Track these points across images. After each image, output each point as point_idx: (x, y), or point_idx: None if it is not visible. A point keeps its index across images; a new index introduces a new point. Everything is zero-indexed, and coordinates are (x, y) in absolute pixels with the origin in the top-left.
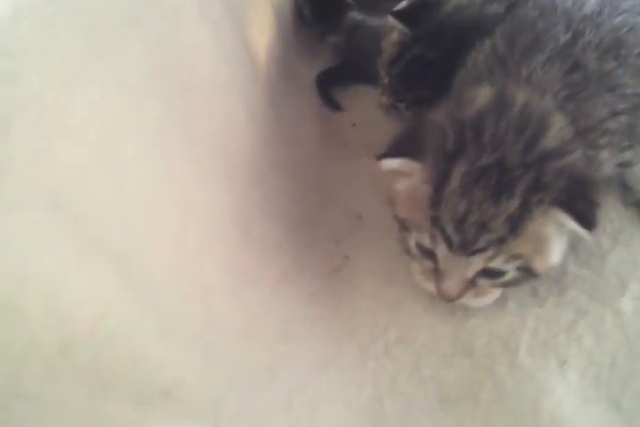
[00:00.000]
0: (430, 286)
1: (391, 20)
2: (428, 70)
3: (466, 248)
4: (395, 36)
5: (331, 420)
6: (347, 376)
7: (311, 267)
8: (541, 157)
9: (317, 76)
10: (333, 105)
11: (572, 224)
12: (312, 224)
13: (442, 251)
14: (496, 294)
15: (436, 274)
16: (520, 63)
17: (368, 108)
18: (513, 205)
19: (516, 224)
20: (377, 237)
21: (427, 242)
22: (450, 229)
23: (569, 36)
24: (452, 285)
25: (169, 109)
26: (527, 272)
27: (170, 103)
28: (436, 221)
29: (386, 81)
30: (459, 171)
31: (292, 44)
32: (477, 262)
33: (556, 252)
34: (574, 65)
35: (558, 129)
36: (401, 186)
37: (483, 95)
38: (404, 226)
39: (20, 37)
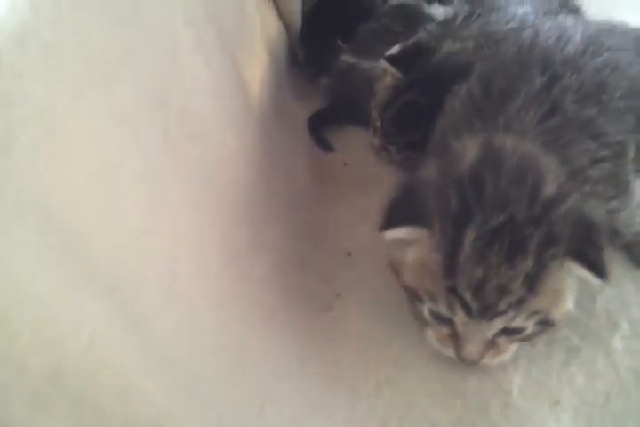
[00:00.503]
0: (449, 351)
1: (384, 64)
2: (420, 115)
3: (486, 313)
4: (388, 80)
5: None
6: (337, 419)
7: (301, 305)
8: (546, 206)
9: (310, 117)
10: (325, 145)
11: (588, 275)
12: (302, 262)
13: (461, 318)
14: (513, 348)
15: (455, 339)
16: (496, 110)
17: (359, 149)
18: (528, 264)
19: (533, 282)
20: (367, 274)
21: (443, 311)
22: (468, 296)
23: (545, 78)
24: (473, 349)
25: (164, 139)
26: (546, 324)
27: (165, 133)
28: (452, 290)
29: (378, 124)
30: (470, 236)
31: (285, 84)
32: (498, 324)
33: (570, 299)
34: (551, 109)
35: (553, 173)
36: (408, 255)
37: (471, 148)
38: (414, 295)
39: (26, 59)
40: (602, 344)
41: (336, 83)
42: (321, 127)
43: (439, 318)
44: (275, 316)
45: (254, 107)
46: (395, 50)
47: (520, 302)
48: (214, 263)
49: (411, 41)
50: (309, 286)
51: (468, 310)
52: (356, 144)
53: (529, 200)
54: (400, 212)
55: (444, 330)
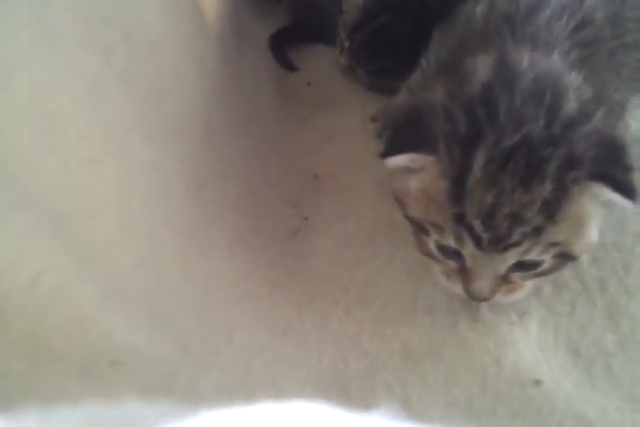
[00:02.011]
0: (457, 287)
1: None
2: (394, 43)
3: (498, 244)
4: (359, 0)
5: (292, 384)
6: (308, 340)
7: (268, 230)
8: (567, 126)
9: (271, 36)
10: (288, 65)
11: (616, 197)
12: (268, 186)
13: (470, 250)
14: (529, 286)
15: (464, 274)
16: (524, 21)
17: (324, 68)
18: (547, 188)
19: (552, 210)
20: (334, 197)
21: (451, 243)
22: (478, 225)
23: None
24: (483, 285)
25: (107, 62)
26: (565, 258)
27: (108, 55)
28: (460, 219)
29: (346, 44)
30: (480, 158)
31: (245, 3)
32: (511, 258)
33: (595, 228)
34: (583, 21)
35: (575, 90)
36: (412, 184)
37: (483, 65)
38: (419, 227)
39: None
40: None
41: (299, 1)
42: (283, 46)
43: (447, 252)
44: (244, 241)
45: (212, 28)
46: None
47: (536, 232)
48: (175, 190)
49: None
50: (277, 210)
51: (477, 240)
52: (320, 63)
53: (547, 119)
54: (404, 137)
55: (452, 264)
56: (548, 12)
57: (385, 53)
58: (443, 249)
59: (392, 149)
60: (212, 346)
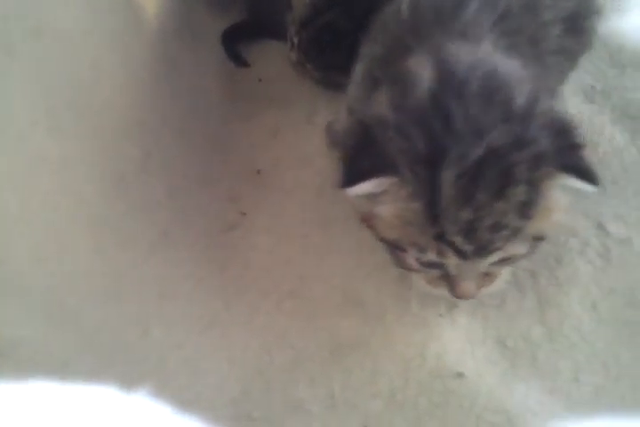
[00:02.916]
0: (442, 291)
1: None
2: (341, 39)
3: (481, 253)
4: None
5: (213, 376)
6: (233, 333)
7: (200, 226)
8: (524, 124)
9: (224, 31)
10: (239, 61)
11: (580, 183)
12: (207, 181)
13: (453, 261)
14: (507, 272)
15: (449, 280)
16: (451, 16)
17: (275, 64)
18: (521, 192)
19: (528, 209)
20: (275, 193)
21: (433, 257)
22: (459, 241)
23: None
24: (469, 286)
25: (9, 59)
26: (539, 240)
27: (10, 50)
28: (440, 238)
29: (295, 40)
30: (448, 176)
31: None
32: (493, 258)
33: (560, 209)
34: (504, 12)
35: (518, 82)
36: (382, 210)
37: (423, 69)
38: (396, 247)
39: None
40: None
41: None
42: (236, 42)
43: (428, 265)
44: (170, 237)
45: (148, 23)
46: None
47: (516, 233)
48: (89, 187)
49: None
50: (214, 205)
51: (461, 254)
52: (272, 59)
53: (504, 120)
54: (360, 162)
55: (435, 273)
56: (475, 5)
57: (333, 50)
58: (423, 263)
59: (351, 178)
60: (121, 340)
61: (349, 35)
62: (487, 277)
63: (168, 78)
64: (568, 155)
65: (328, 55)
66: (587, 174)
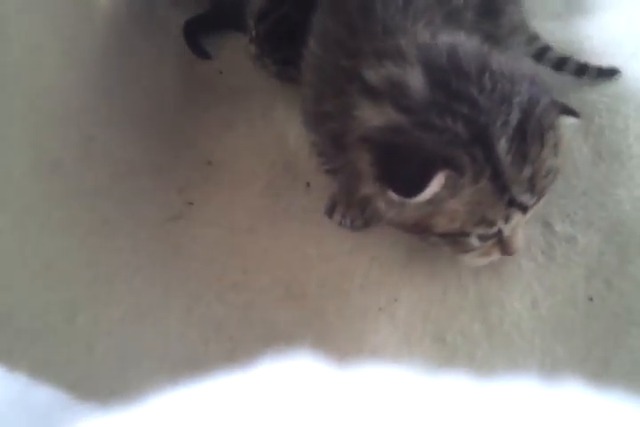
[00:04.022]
0: (494, 257)
1: None
2: (297, 33)
3: (538, 201)
4: None
5: (146, 364)
6: (170, 323)
7: (142, 214)
8: (523, 82)
9: (185, 23)
10: (201, 52)
11: (571, 120)
12: (154, 171)
13: (516, 220)
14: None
15: (502, 243)
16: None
17: (236, 56)
18: (552, 135)
19: (557, 149)
20: (224, 184)
21: (500, 225)
22: (527, 197)
23: None
24: (519, 239)
25: None
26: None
27: None
28: (512, 202)
29: (253, 33)
30: (502, 145)
31: None
32: (538, 206)
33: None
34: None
35: (485, 51)
36: (446, 205)
37: (406, 68)
38: (459, 235)
39: None
40: None
41: None
42: (198, 33)
43: (487, 238)
44: (109, 224)
45: (102, 11)
46: None
47: (556, 173)
48: (18, 171)
49: None
50: (159, 194)
51: (525, 209)
52: (234, 51)
53: (513, 84)
54: (406, 171)
55: (490, 243)
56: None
57: (289, 43)
58: (485, 237)
59: (414, 186)
60: (46, 323)
61: (304, 30)
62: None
63: (121, 66)
64: (560, 102)
65: (284, 49)
66: (573, 113)
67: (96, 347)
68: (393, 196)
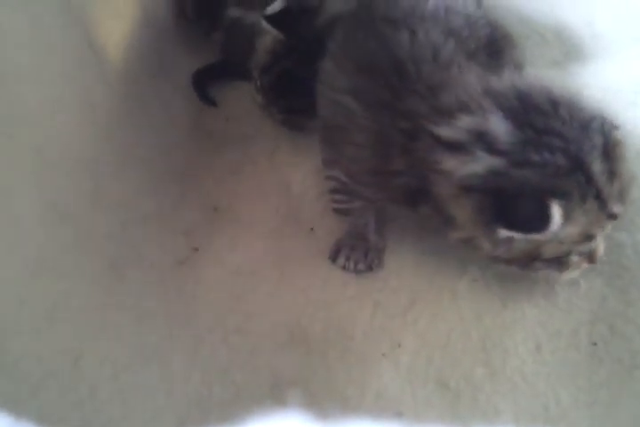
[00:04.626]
0: (583, 267)
1: (265, 24)
2: (299, 84)
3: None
4: (269, 42)
5: (149, 407)
6: (174, 366)
7: (149, 260)
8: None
9: (195, 72)
10: (208, 101)
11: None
12: (161, 216)
13: (608, 229)
14: None
15: (589, 254)
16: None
17: (243, 103)
18: (620, 149)
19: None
20: (229, 228)
21: (596, 240)
22: (619, 207)
23: None
24: (603, 247)
25: None
26: None
27: None
28: (610, 215)
29: (258, 83)
30: (597, 167)
31: (171, 40)
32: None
33: None
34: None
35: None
36: (563, 232)
37: (484, 107)
38: (565, 256)
39: None
40: (448, 287)
41: (225, 37)
42: (206, 82)
43: (583, 252)
44: (116, 269)
45: (113, 63)
46: (276, 6)
47: (632, 180)
48: (27, 217)
49: None
50: (166, 240)
51: (615, 218)
52: (240, 99)
53: (581, 108)
54: (526, 210)
55: (583, 255)
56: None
57: (291, 95)
58: (583, 253)
59: (540, 221)
60: (51, 367)
61: (307, 81)
62: None
63: (131, 117)
64: None
65: (287, 99)
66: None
67: (100, 391)
68: (505, 235)
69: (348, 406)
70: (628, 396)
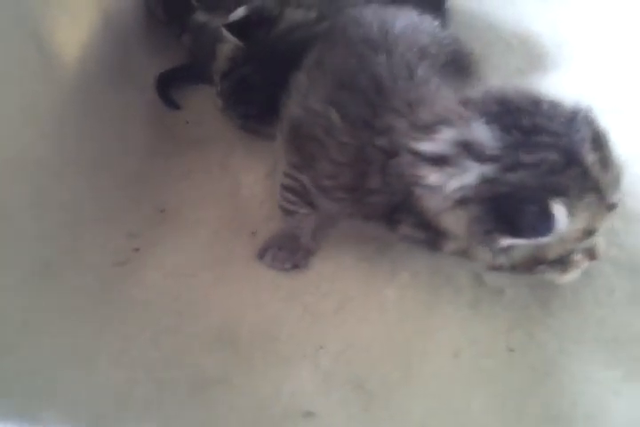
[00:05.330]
0: (584, 266)
1: (224, 32)
2: (256, 92)
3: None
4: (229, 49)
5: (67, 402)
6: (100, 364)
7: (88, 260)
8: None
9: (159, 75)
10: (171, 104)
11: None
12: (104, 218)
13: (607, 220)
14: None
15: (590, 251)
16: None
17: (205, 107)
18: (608, 136)
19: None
20: (173, 231)
21: (597, 233)
22: (616, 196)
23: None
24: (602, 241)
25: None
26: None
27: None
28: (611, 206)
29: (219, 89)
30: (591, 158)
31: (137, 43)
32: None
33: None
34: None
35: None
36: (568, 231)
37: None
38: (567, 254)
39: None
40: (377, 292)
41: (192, 41)
42: (170, 85)
43: (585, 249)
44: (51, 268)
45: (64, 68)
46: (237, 14)
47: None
48: None
49: (253, 5)
50: (108, 240)
51: (615, 208)
52: (201, 102)
53: (562, 103)
54: (529, 215)
55: (585, 253)
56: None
57: (250, 101)
58: (585, 250)
59: (545, 223)
60: None
61: (263, 88)
62: None
63: (83, 119)
64: None
65: (245, 106)
66: None
67: (16, 389)
68: (507, 242)
69: (265, 405)
70: (536, 404)
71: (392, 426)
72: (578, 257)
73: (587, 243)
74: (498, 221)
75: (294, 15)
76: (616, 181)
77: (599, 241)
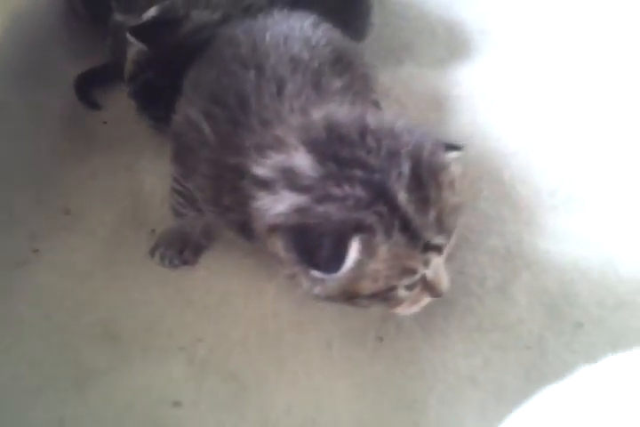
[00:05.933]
0: (425, 301)
1: (128, 36)
2: (159, 95)
3: (449, 239)
4: (133, 53)
5: None
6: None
7: None
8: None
9: (78, 75)
10: (90, 104)
11: (454, 154)
12: (7, 220)
13: (436, 262)
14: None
15: (430, 286)
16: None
17: (122, 107)
18: (446, 173)
19: (455, 185)
20: (75, 231)
21: (422, 271)
22: (439, 239)
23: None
24: (446, 278)
25: None
26: None
27: None
28: (427, 247)
29: (129, 90)
30: (402, 196)
31: (54, 44)
32: (453, 240)
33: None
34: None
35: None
36: (370, 267)
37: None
38: (387, 292)
39: None
40: (257, 288)
41: (112, 41)
42: (90, 85)
43: (413, 285)
44: None
45: None
46: (149, 14)
47: (459, 208)
48: None
49: (164, 4)
50: (8, 241)
51: (439, 249)
52: (119, 103)
53: (394, 135)
54: (325, 249)
55: (417, 289)
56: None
57: (156, 103)
58: (411, 287)
59: (336, 260)
60: None
61: (165, 91)
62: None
63: None
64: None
65: (152, 108)
66: (456, 147)
67: None
68: (317, 274)
69: (136, 396)
70: (394, 391)
71: (258, 413)
72: (404, 293)
73: (410, 280)
74: (301, 253)
75: (201, 16)
76: (439, 223)
77: (441, 277)
